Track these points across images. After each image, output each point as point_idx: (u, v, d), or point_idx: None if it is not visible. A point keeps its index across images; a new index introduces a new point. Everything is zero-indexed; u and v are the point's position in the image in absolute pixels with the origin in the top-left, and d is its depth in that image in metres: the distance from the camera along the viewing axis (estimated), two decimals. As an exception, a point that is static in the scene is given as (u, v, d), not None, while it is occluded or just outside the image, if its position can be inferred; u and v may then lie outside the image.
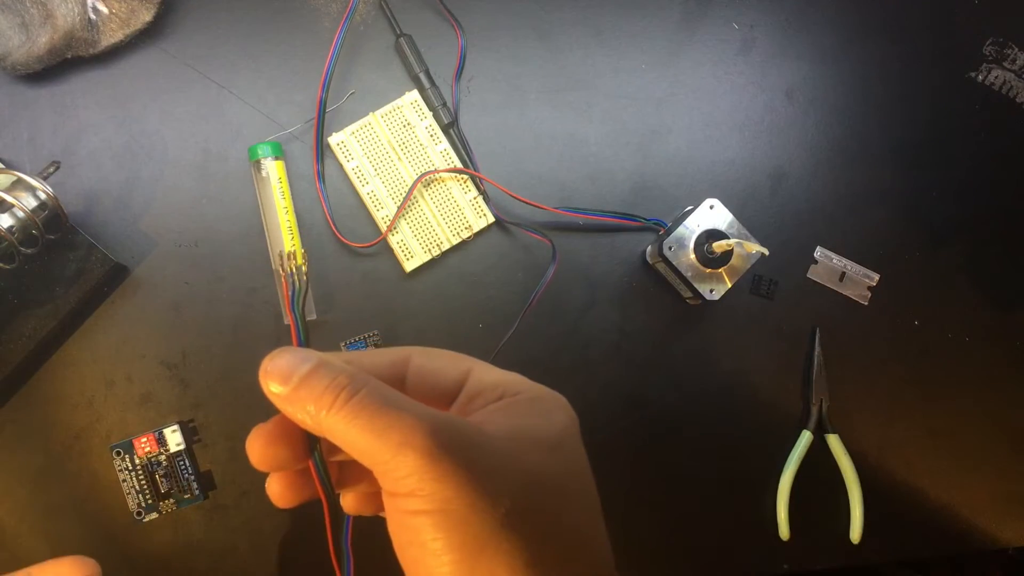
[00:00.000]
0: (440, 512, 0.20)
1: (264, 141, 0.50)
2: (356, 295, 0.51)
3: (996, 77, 0.60)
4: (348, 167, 0.51)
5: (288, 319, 0.27)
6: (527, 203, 0.52)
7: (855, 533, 0.54)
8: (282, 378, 0.22)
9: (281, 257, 0.30)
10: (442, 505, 0.20)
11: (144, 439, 0.48)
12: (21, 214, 0.44)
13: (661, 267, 0.52)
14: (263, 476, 0.26)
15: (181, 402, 0.49)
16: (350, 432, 0.21)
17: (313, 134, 0.51)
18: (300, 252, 0.30)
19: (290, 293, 0.28)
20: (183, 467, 0.48)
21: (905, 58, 0.59)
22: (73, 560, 0.39)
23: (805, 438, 0.54)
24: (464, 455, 0.21)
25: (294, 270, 0.29)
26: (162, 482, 0.48)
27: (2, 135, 0.49)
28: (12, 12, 0.47)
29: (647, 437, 0.53)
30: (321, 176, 0.51)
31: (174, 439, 0.48)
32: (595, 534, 0.24)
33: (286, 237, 0.49)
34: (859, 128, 0.58)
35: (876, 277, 0.57)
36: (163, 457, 0.48)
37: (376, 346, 0.50)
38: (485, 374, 0.26)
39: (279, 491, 0.25)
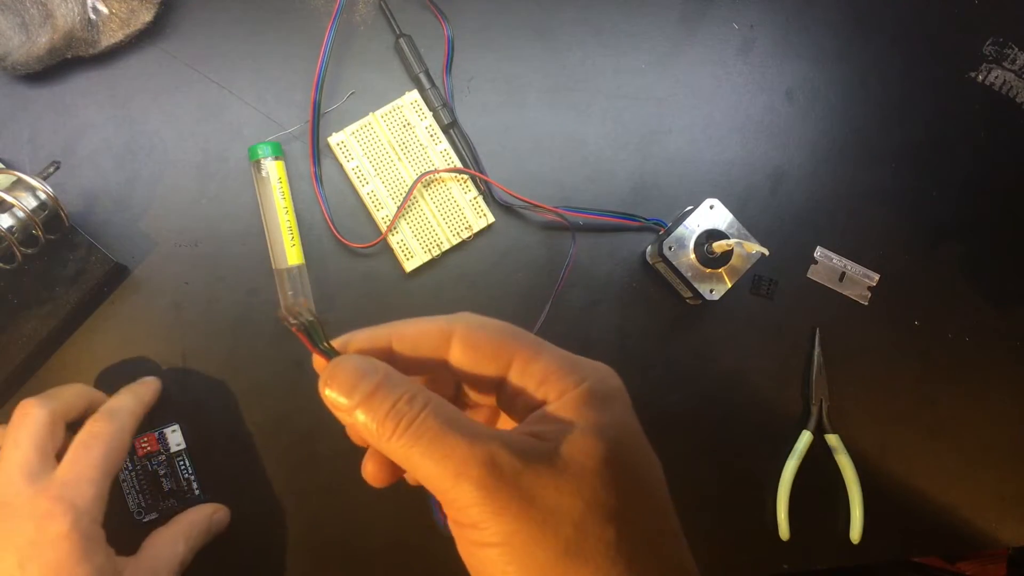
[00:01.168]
0: (505, 545, 0.21)
1: (264, 141, 0.50)
2: (356, 295, 0.51)
3: (996, 77, 0.60)
4: (348, 167, 0.51)
5: (317, 364, 0.25)
6: (527, 203, 0.52)
7: (855, 533, 0.54)
8: (345, 390, 0.23)
9: (286, 311, 0.28)
10: (505, 539, 0.21)
11: (144, 439, 0.48)
12: (21, 214, 0.44)
13: (661, 267, 0.52)
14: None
15: (181, 402, 0.49)
16: (411, 458, 0.22)
17: (308, 135, 0.51)
18: (303, 301, 0.28)
19: (308, 337, 0.26)
20: (183, 467, 0.48)
21: (905, 58, 0.59)
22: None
23: (805, 438, 0.54)
24: (521, 485, 0.21)
25: (300, 316, 0.28)
26: (162, 482, 0.48)
27: (2, 135, 0.49)
28: (12, 12, 0.47)
29: (647, 437, 0.53)
30: (319, 177, 0.51)
31: (174, 439, 0.48)
32: (666, 532, 0.24)
33: (286, 237, 0.49)
34: (859, 128, 0.58)
35: (876, 277, 0.57)
36: (163, 457, 0.48)
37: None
38: (529, 363, 0.24)
39: (374, 471, 0.26)
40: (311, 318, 0.25)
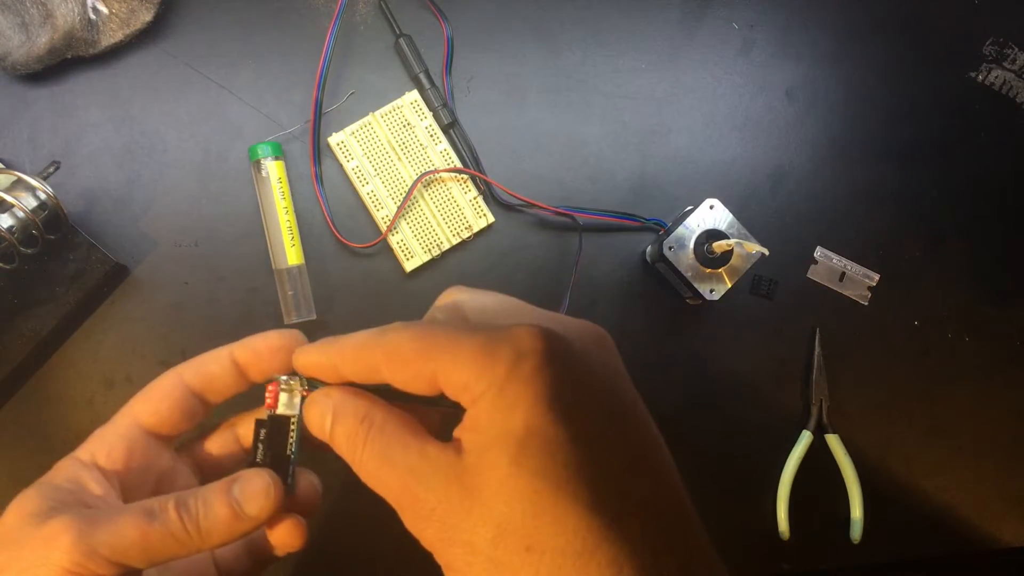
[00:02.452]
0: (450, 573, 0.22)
1: (264, 141, 0.50)
2: (356, 295, 0.51)
3: (996, 77, 0.60)
4: (348, 167, 0.51)
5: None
6: (527, 203, 0.52)
7: (855, 533, 0.54)
8: (317, 432, 0.25)
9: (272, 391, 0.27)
10: (447, 567, 0.22)
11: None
12: (21, 214, 0.44)
13: (661, 267, 0.52)
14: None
15: (181, 402, 0.49)
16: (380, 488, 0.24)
17: (309, 135, 0.51)
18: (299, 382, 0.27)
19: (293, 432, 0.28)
20: (183, 467, 0.48)
21: (905, 58, 0.59)
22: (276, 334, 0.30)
23: (805, 438, 0.54)
24: (437, 517, 0.22)
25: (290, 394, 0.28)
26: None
27: (2, 135, 0.49)
28: (12, 12, 0.47)
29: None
30: (319, 177, 0.51)
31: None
32: (620, 515, 0.21)
33: (286, 237, 0.49)
34: (859, 128, 0.58)
35: (876, 277, 0.57)
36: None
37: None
38: (451, 371, 0.22)
39: None
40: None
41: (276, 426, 0.27)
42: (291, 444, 0.27)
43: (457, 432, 0.23)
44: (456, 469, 0.22)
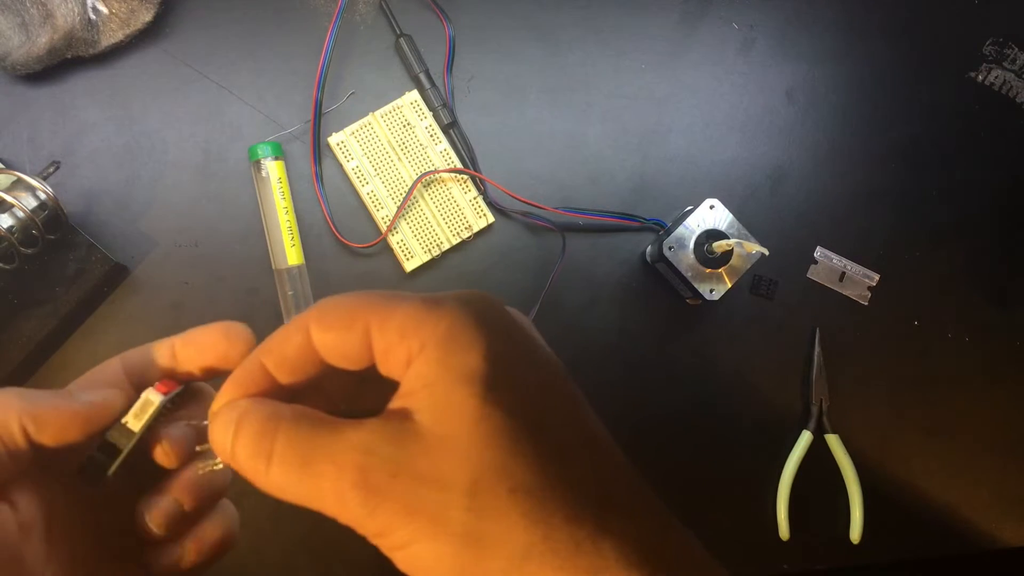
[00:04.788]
0: (411, 546, 0.19)
1: (264, 141, 0.50)
2: (356, 295, 0.51)
3: (996, 77, 0.60)
4: (348, 167, 0.51)
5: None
6: (527, 203, 0.52)
7: (855, 533, 0.54)
8: (219, 448, 0.22)
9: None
10: (408, 541, 0.19)
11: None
12: (21, 214, 0.44)
13: (661, 267, 0.52)
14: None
15: (181, 402, 0.49)
16: (292, 495, 0.21)
17: (309, 135, 0.51)
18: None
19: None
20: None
21: (905, 58, 0.59)
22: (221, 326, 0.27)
23: (805, 438, 0.54)
24: (399, 486, 0.19)
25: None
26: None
27: (2, 135, 0.49)
28: (12, 12, 0.47)
29: (647, 437, 0.53)
30: (320, 177, 0.51)
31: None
32: (587, 449, 0.21)
33: (286, 237, 0.49)
34: (859, 128, 0.58)
35: (876, 277, 0.57)
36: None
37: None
38: (385, 323, 0.21)
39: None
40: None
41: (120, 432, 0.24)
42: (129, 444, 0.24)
43: (395, 403, 0.21)
44: (409, 431, 0.19)
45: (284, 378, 0.23)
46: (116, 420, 0.24)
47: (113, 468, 0.24)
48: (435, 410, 0.20)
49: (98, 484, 0.24)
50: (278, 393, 0.23)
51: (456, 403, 0.19)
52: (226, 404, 0.22)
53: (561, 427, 0.21)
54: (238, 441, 0.21)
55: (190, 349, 0.26)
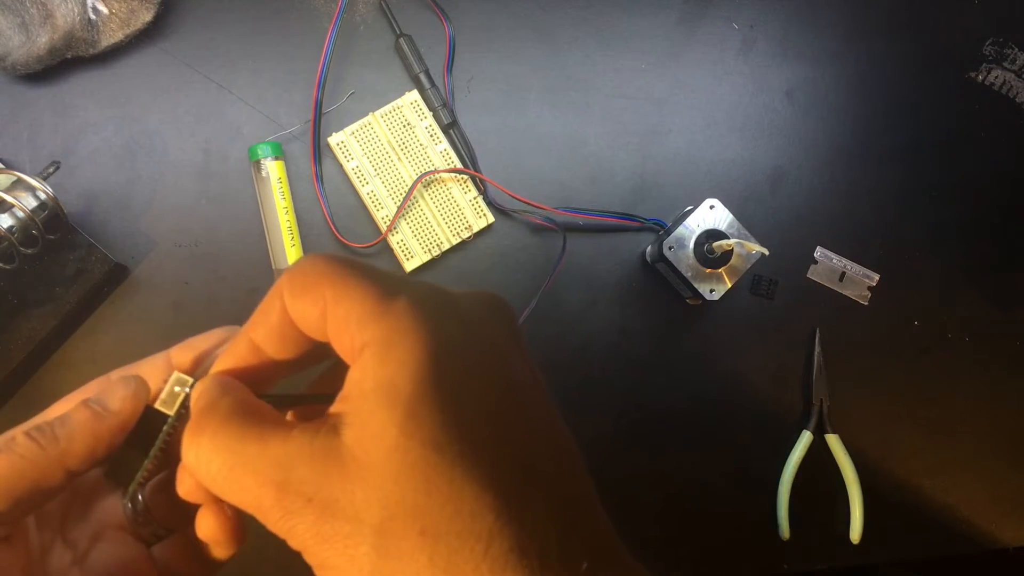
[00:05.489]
0: (327, 571, 0.19)
1: (264, 141, 0.50)
2: (356, 295, 0.51)
3: (996, 77, 0.60)
4: (348, 167, 0.51)
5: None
6: (527, 203, 0.52)
7: (855, 533, 0.54)
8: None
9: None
10: (321, 566, 0.19)
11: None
12: (21, 214, 0.44)
13: (661, 267, 0.52)
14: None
15: (181, 402, 0.49)
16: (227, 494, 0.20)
17: (309, 135, 0.51)
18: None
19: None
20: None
21: (905, 58, 0.59)
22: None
23: (805, 438, 0.54)
24: (315, 509, 0.18)
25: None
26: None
27: (2, 135, 0.49)
28: (12, 12, 0.47)
29: (647, 437, 0.53)
30: (320, 177, 0.51)
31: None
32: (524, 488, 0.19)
33: (286, 237, 0.49)
34: (859, 128, 0.58)
35: (876, 277, 0.57)
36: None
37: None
38: (335, 305, 0.20)
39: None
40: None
41: (149, 420, 0.24)
42: (156, 446, 0.23)
43: (335, 406, 0.19)
44: (333, 449, 0.18)
45: (275, 351, 0.22)
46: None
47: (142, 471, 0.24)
48: (359, 429, 0.18)
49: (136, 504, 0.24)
50: (273, 369, 0.22)
51: (377, 427, 0.18)
52: (200, 382, 0.22)
53: (496, 462, 0.18)
54: (183, 426, 0.21)
55: (188, 355, 0.26)
